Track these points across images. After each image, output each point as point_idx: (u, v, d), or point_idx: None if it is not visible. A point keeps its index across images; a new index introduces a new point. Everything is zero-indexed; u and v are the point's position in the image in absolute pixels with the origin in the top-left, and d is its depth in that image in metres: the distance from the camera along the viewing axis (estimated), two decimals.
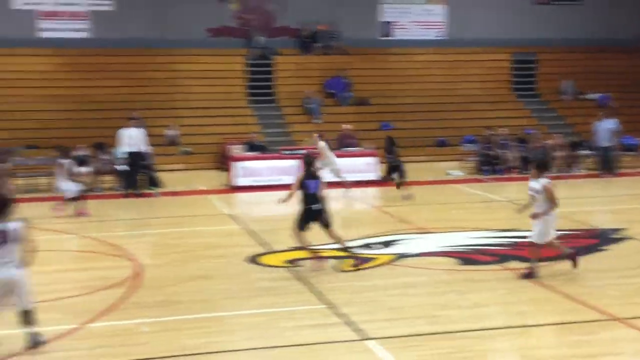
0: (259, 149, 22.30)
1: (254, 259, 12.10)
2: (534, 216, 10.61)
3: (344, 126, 23.62)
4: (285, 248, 12.48)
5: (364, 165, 21.45)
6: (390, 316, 9.17)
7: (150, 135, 20.56)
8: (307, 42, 30.13)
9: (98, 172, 20.66)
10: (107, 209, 17.72)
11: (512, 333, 8.60)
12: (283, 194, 11.80)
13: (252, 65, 29.30)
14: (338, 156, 19.78)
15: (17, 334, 8.19)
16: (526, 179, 20.84)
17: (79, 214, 16.35)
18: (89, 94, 26.86)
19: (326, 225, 11.44)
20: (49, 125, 25.13)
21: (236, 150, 21.92)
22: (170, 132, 26.06)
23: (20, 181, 19.54)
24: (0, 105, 25.95)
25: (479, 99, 29.63)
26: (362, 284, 10.62)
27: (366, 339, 8.30)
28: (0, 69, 26.88)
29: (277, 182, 19.37)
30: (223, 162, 23.59)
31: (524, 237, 13.55)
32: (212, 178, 22.56)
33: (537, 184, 10.60)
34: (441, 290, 10.27)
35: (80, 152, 20.15)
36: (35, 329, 8.14)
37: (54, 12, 28.20)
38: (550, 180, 10.66)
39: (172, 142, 26.00)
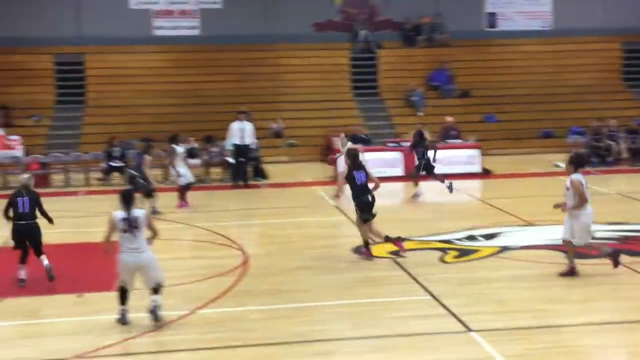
0: (362, 142, 22.44)
1: (358, 250, 12.28)
2: (558, 206, 10.30)
3: (447, 118, 23.49)
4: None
5: (467, 158, 21.33)
6: (495, 309, 9.18)
7: (256, 128, 21.06)
8: (411, 35, 30.06)
9: (207, 164, 21.32)
10: (215, 199, 18.28)
11: (619, 329, 8.47)
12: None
13: (356, 58, 29.45)
14: (440, 149, 19.68)
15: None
16: (637, 172, 20.44)
17: (182, 204, 16.73)
18: (199, 88, 27.66)
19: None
20: (161, 119, 25.95)
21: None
22: (275, 125, 26.55)
23: None
24: (118, 100, 27.13)
25: (586, 90, 28.78)
26: (466, 276, 10.65)
27: (471, 331, 8.35)
28: (119, 66, 28.04)
29: (381, 174, 19.38)
30: (327, 154, 23.90)
31: (636, 230, 13.37)
32: (316, 170, 22.85)
33: (569, 180, 10.22)
34: (547, 284, 10.17)
35: (190, 145, 20.77)
36: (160, 304, 8.66)
37: (166, 10, 29.18)
38: (580, 176, 10.20)
39: (278, 135, 26.48)
